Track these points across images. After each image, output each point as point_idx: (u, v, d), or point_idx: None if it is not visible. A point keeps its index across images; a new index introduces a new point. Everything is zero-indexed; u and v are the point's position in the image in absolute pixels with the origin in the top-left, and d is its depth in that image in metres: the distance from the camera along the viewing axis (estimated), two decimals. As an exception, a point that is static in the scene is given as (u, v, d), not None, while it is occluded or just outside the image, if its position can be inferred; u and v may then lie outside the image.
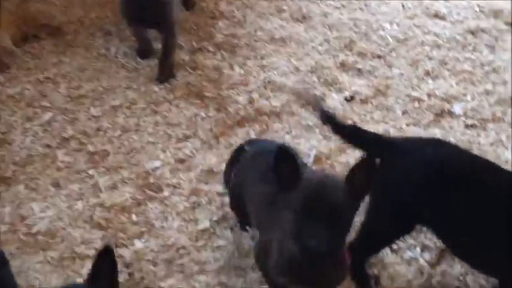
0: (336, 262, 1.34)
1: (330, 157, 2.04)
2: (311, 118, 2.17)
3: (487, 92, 2.31)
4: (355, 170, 1.27)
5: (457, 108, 2.24)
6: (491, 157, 2.00)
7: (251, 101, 2.25)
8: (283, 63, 2.45)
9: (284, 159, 1.28)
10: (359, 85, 2.35)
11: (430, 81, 2.39)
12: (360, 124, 2.15)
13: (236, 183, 1.67)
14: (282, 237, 1.36)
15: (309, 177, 1.28)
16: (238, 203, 1.67)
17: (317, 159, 2.02)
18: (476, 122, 2.18)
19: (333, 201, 1.22)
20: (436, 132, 2.13)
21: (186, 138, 2.12)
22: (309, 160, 2.00)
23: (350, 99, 2.28)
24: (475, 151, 2.03)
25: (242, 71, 2.40)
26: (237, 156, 1.74)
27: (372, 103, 2.28)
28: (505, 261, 1.42)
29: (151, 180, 1.94)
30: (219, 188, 1.93)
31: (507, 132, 2.14)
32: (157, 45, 2.43)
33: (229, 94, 2.29)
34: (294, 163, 1.27)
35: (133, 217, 1.82)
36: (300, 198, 1.24)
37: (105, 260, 1.11)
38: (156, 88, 2.32)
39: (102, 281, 1.10)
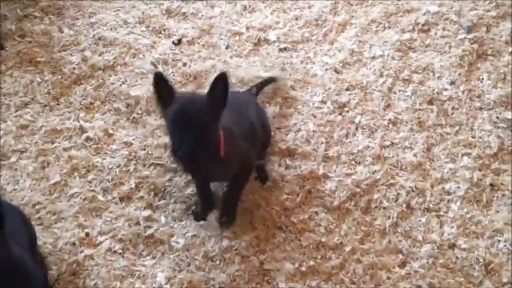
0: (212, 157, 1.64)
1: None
2: (143, 66, 2.36)
3: (296, 18, 2.65)
4: (214, 85, 1.60)
5: (272, 36, 2.56)
6: (302, 73, 2.39)
7: (84, 59, 2.37)
8: (112, 18, 2.57)
9: (161, 82, 1.61)
10: (185, 28, 2.56)
11: (247, 15, 2.67)
12: (189, 63, 2.41)
13: None
14: None
15: (179, 96, 1.63)
16: None
17: (153, 99, 2.23)
18: (288, 45, 2.52)
19: (192, 112, 1.56)
20: (256, 59, 2.43)
21: (25, 105, 2.21)
22: (141, 103, 2.22)
23: (178, 43, 2.49)
24: (289, 70, 2.38)
25: (72, 32, 2.48)
26: None
27: (198, 43, 2.51)
28: None
29: (-4, 150, 2.04)
30: (66, 144, 2.08)
31: (315, 50, 2.51)
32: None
33: (62, 56, 2.37)
34: (168, 85, 1.62)
35: (-16, 187, 1.93)
36: (170, 112, 1.58)
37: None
38: (-15, 62, 2.35)
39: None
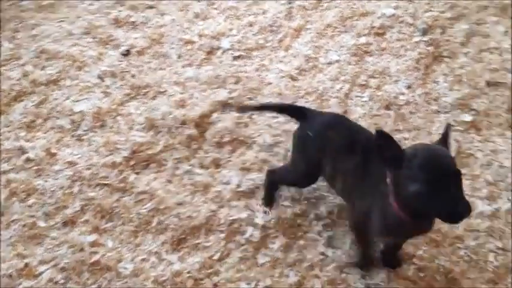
0: None
1: (112, 111, 2.14)
2: (89, 79, 2.24)
3: (250, 24, 2.57)
4: (443, 137, 1.44)
5: (225, 43, 2.47)
6: (256, 81, 2.31)
7: (25, 74, 2.24)
8: (55, 29, 2.44)
9: (384, 141, 1.37)
10: (134, 38, 2.46)
11: (200, 22, 2.58)
12: (138, 75, 2.30)
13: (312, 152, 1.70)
14: (383, 205, 1.48)
15: (414, 152, 1.37)
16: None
17: (99, 114, 2.12)
18: (242, 53, 2.44)
19: (452, 166, 1.35)
20: (208, 69, 2.34)
21: (-40, 125, 2.07)
22: (87, 118, 2.10)
23: (126, 54, 2.38)
24: (243, 79, 2.30)
25: (12, 45, 2.35)
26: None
27: (148, 53, 2.40)
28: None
29: None
30: (4, 166, 1.94)
31: (270, 57, 2.43)
32: None
33: (1, 71, 2.24)
34: (394, 143, 1.37)
35: None
36: (421, 171, 1.32)
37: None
38: None
39: None
